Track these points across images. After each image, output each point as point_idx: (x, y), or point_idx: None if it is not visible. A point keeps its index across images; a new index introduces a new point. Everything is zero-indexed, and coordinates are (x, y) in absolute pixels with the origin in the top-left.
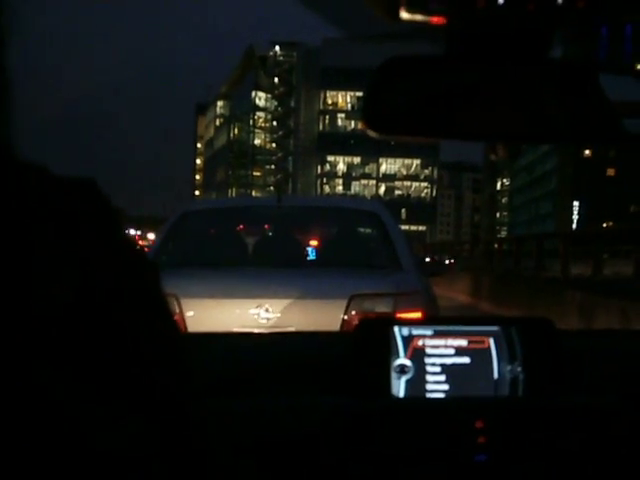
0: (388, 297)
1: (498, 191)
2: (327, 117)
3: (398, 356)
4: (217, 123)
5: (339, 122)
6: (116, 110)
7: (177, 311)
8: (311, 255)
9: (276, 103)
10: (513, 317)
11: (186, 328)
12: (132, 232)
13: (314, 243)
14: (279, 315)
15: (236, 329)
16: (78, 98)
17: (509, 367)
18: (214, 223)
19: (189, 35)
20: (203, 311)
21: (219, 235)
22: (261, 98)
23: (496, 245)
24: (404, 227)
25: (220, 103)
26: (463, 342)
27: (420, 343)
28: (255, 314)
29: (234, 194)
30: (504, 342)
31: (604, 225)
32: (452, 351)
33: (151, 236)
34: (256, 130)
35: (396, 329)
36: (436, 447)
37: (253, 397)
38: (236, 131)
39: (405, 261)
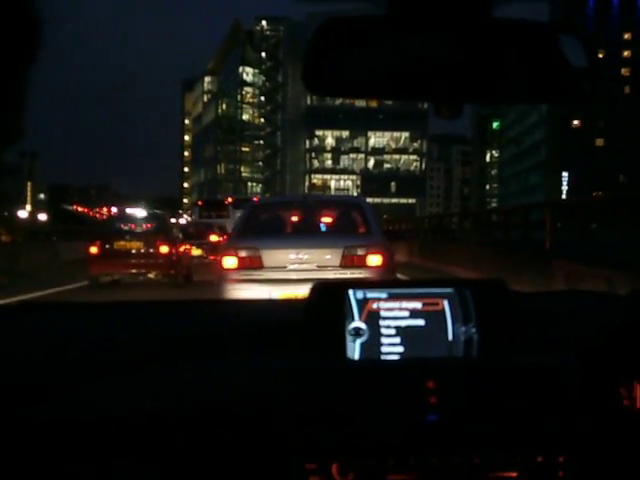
0: (363, 247)
1: (487, 163)
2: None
3: (353, 319)
4: (205, 99)
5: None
6: (102, 88)
7: (258, 256)
8: (323, 228)
9: (264, 78)
10: (467, 279)
11: (262, 264)
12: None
13: (325, 221)
14: (307, 257)
15: (287, 265)
16: (62, 78)
17: (463, 328)
18: (270, 211)
19: (175, 10)
20: (270, 255)
21: (273, 218)
22: (248, 73)
23: (485, 217)
24: (394, 200)
25: (207, 79)
26: (417, 304)
27: (375, 306)
28: (295, 256)
29: (223, 170)
30: (458, 304)
31: (593, 195)
32: (406, 313)
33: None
34: (244, 105)
35: (350, 292)
36: (389, 408)
37: (211, 360)
38: (224, 107)
39: (374, 230)
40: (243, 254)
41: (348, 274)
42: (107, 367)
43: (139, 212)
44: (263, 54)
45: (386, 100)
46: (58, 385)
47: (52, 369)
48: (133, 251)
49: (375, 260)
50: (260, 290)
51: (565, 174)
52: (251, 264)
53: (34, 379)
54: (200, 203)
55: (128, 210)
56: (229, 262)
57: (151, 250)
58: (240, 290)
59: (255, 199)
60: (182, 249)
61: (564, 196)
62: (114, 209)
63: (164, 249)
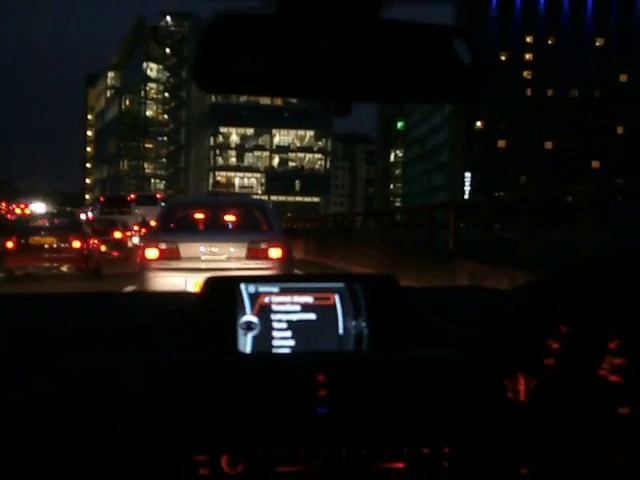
0: (265, 241)
1: (392, 163)
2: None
3: (245, 313)
4: (108, 94)
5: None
6: (3, 82)
7: (176, 248)
8: (229, 225)
9: (168, 74)
10: (358, 274)
11: (180, 255)
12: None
13: (231, 219)
14: (218, 249)
15: (200, 256)
16: None
17: (354, 323)
18: (185, 210)
19: (78, 3)
20: (186, 248)
21: (188, 216)
22: (153, 69)
23: (388, 216)
24: (299, 198)
25: (111, 74)
26: (309, 299)
27: (266, 300)
28: (207, 249)
29: (126, 166)
30: (349, 298)
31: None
32: (298, 307)
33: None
34: (148, 101)
35: (242, 286)
36: (279, 400)
37: (100, 354)
38: (127, 102)
39: (275, 228)
40: (163, 246)
41: (252, 264)
42: (2, 358)
43: (50, 209)
44: (168, 50)
45: (276, 97)
46: None
47: None
48: (46, 246)
49: (275, 253)
50: (177, 277)
51: (468, 175)
52: (170, 255)
53: None
54: (102, 199)
55: (39, 208)
56: (151, 253)
57: (64, 245)
58: (160, 277)
59: (159, 196)
60: (91, 244)
61: (467, 196)
62: (17, 208)
63: (76, 244)
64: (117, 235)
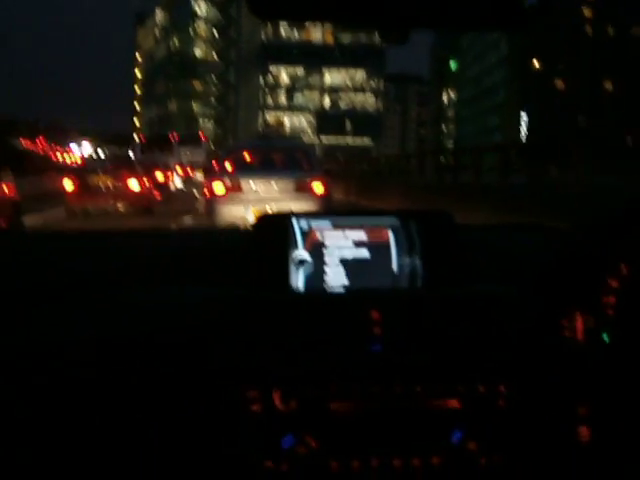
0: (308, 177)
1: (445, 104)
2: (270, 26)
3: (297, 249)
4: (156, 33)
5: (282, 32)
6: (53, 18)
7: (238, 184)
8: (279, 165)
9: (217, 12)
10: (412, 210)
11: (242, 189)
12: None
13: (280, 160)
14: (271, 184)
15: (257, 190)
16: (9, 10)
17: (408, 259)
18: (240, 153)
19: None
20: (246, 183)
21: (243, 158)
22: (201, 7)
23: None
24: (349, 140)
25: (159, 12)
26: (362, 235)
27: (319, 236)
28: (262, 184)
29: (175, 107)
30: (403, 235)
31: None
32: (351, 244)
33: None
34: (197, 40)
35: (294, 221)
36: (332, 337)
37: (157, 288)
38: (176, 42)
39: (316, 167)
40: (228, 182)
41: (298, 196)
42: (55, 294)
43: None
44: None
45: (330, 23)
46: (6, 312)
47: (7, 295)
48: (103, 185)
49: (317, 186)
50: (240, 208)
51: (524, 115)
52: (233, 189)
53: None
54: (142, 139)
55: (85, 148)
56: (218, 188)
57: (119, 184)
58: (226, 207)
59: (203, 136)
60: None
61: (523, 137)
62: (73, 147)
63: (130, 183)
64: (158, 177)
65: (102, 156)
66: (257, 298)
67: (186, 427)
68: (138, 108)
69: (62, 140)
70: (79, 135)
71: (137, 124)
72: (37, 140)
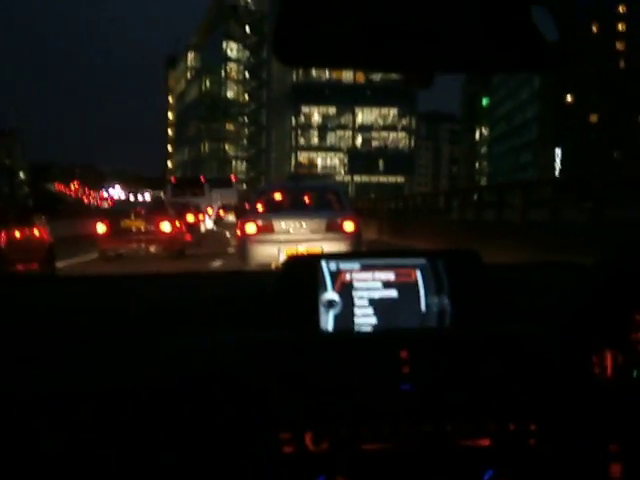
0: (339, 218)
1: (477, 141)
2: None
3: (326, 290)
4: (188, 76)
5: (313, 72)
6: (86, 65)
7: (270, 224)
8: (310, 206)
9: (248, 54)
10: (440, 250)
11: (273, 229)
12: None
13: (310, 200)
14: (303, 224)
15: (289, 230)
16: (45, 56)
17: (436, 299)
18: (273, 194)
19: None
20: (278, 224)
21: (276, 198)
22: (233, 49)
23: (475, 195)
24: (382, 178)
25: (190, 55)
26: (390, 275)
27: (348, 277)
28: (294, 224)
29: (207, 148)
30: (431, 274)
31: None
32: (379, 284)
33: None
34: (228, 82)
35: (324, 264)
36: (363, 378)
37: (185, 334)
38: (207, 83)
39: (346, 207)
40: (260, 223)
41: (330, 236)
42: (86, 339)
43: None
44: (247, 29)
45: (356, 69)
46: (40, 358)
47: (30, 342)
48: (135, 229)
49: (348, 226)
50: (272, 247)
51: (558, 151)
52: (265, 230)
53: (16, 353)
54: (173, 181)
55: (118, 192)
56: (250, 228)
57: (151, 227)
58: (259, 247)
59: (234, 178)
60: (176, 226)
61: (557, 173)
62: (105, 192)
63: (163, 226)
64: (189, 219)
65: (132, 199)
66: (287, 341)
67: (220, 470)
68: (171, 150)
69: (96, 184)
70: (112, 179)
71: (170, 166)
72: (71, 184)
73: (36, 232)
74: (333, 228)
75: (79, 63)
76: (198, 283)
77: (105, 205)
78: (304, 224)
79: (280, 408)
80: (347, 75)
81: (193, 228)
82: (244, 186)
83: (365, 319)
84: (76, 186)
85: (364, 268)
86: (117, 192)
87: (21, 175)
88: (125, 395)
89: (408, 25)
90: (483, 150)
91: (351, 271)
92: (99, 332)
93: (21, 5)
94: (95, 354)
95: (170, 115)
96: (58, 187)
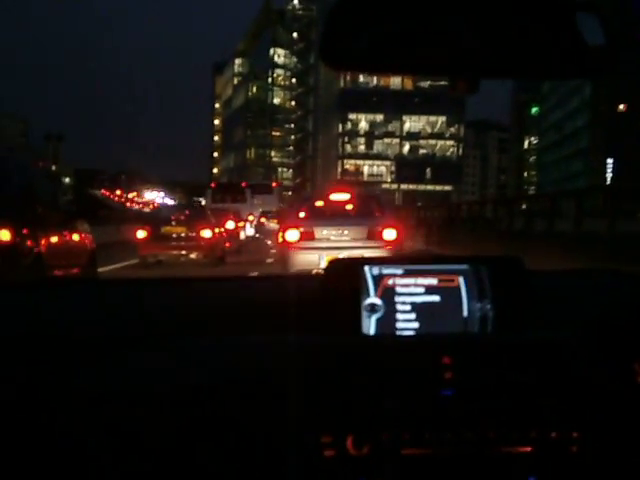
0: (380, 225)
1: (525, 150)
2: (349, 73)
3: (369, 295)
4: (235, 82)
5: (361, 78)
6: (133, 74)
7: (312, 231)
8: (351, 213)
9: (295, 60)
10: (483, 256)
11: (315, 237)
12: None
13: (352, 208)
14: (345, 232)
15: (330, 237)
16: (94, 64)
17: (478, 305)
18: (314, 202)
19: None
20: (319, 231)
21: (318, 206)
22: (280, 55)
23: (524, 205)
24: (429, 187)
25: (238, 61)
26: (433, 281)
27: (390, 282)
28: (335, 232)
29: (252, 155)
30: (474, 280)
31: None
32: (422, 290)
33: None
34: (275, 88)
35: (366, 269)
36: (404, 383)
37: (228, 336)
38: (254, 89)
39: (387, 214)
40: (302, 230)
41: (371, 244)
42: (126, 342)
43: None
44: (295, 35)
45: (402, 75)
46: (87, 359)
47: (81, 343)
48: (175, 235)
49: (390, 234)
50: (313, 255)
51: (610, 160)
52: (307, 237)
53: (64, 354)
54: (213, 186)
55: (158, 197)
56: (293, 235)
57: (191, 234)
58: (300, 254)
59: (274, 184)
60: (216, 233)
61: (609, 183)
62: (148, 195)
63: (203, 233)
64: (229, 226)
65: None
66: (329, 344)
67: (261, 473)
68: (217, 157)
69: (141, 190)
70: (158, 185)
71: (215, 173)
72: (116, 190)
73: (77, 237)
74: (374, 236)
75: (128, 69)
76: (240, 287)
77: (147, 210)
78: (346, 232)
79: (321, 411)
80: (395, 82)
81: (232, 235)
82: (289, 193)
83: (407, 324)
84: (120, 192)
85: (407, 273)
86: (161, 198)
87: (67, 180)
88: (166, 396)
89: (454, 30)
90: (532, 159)
91: (394, 276)
92: (138, 334)
93: (80, 14)
94: (136, 356)
95: (217, 121)
96: (103, 193)
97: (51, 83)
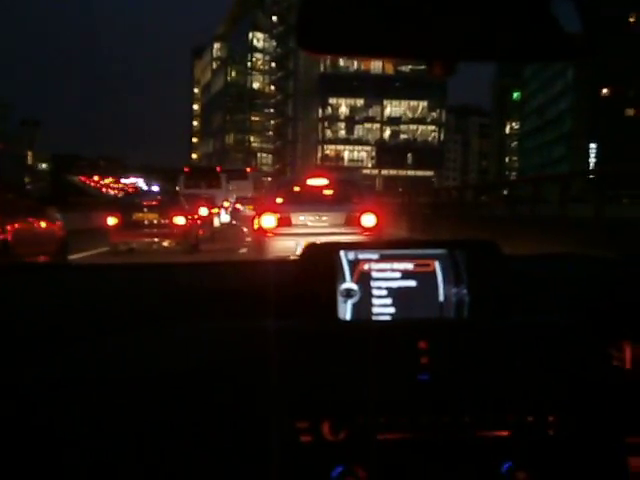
0: (358, 211)
1: (507, 135)
2: (328, 57)
3: (344, 280)
4: (214, 66)
5: (341, 62)
6: (112, 55)
7: (289, 217)
8: (329, 198)
9: (275, 44)
10: (459, 240)
11: (292, 223)
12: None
13: (330, 193)
14: (322, 218)
15: (307, 223)
16: (70, 47)
17: (455, 290)
18: (292, 186)
19: None
20: (296, 217)
21: (292, 191)
22: (259, 39)
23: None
24: (410, 172)
25: (216, 45)
26: (409, 265)
27: (366, 267)
28: (313, 218)
29: (232, 140)
30: (450, 265)
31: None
32: (398, 274)
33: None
34: (254, 73)
35: (342, 253)
36: (380, 368)
37: (202, 322)
38: (233, 74)
39: (366, 199)
40: (278, 216)
41: (349, 230)
42: (102, 328)
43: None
44: (274, 18)
45: (379, 57)
46: (57, 345)
47: (51, 329)
48: (148, 222)
49: (368, 220)
50: (290, 241)
51: (593, 145)
52: (284, 223)
53: (33, 340)
54: (186, 171)
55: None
56: (269, 222)
57: (164, 221)
58: (277, 241)
59: (249, 169)
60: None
61: (592, 168)
62: (124, 180)
63: (176, 220)
64: (201, 212)
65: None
66: (305, 329)
67: (236, 458)
68: (196, 142)
69: (118, 176)
70: (136, 171)
71: (194, 158)
72: (94, 176)
73: (46, 225)
74: (352, 222)
75: (106, 54)
76: (215, 272)
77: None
78: (323, 217)
79: (297, 397)
80: (375, 66)
81: (205, 222)
82: (269, 179)
83: (383, 309)
84: (99, 178)
85: (383, 258)
86: (138, 184)
87: (43, 166)
88: (140, 383)
89: (431, 12)
90: (514, 144)
91: (370, 261)
92: (111, 320)
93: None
94: (108, 342)
95: (196, 106)
96: (81, 179)
97: (32, 67)
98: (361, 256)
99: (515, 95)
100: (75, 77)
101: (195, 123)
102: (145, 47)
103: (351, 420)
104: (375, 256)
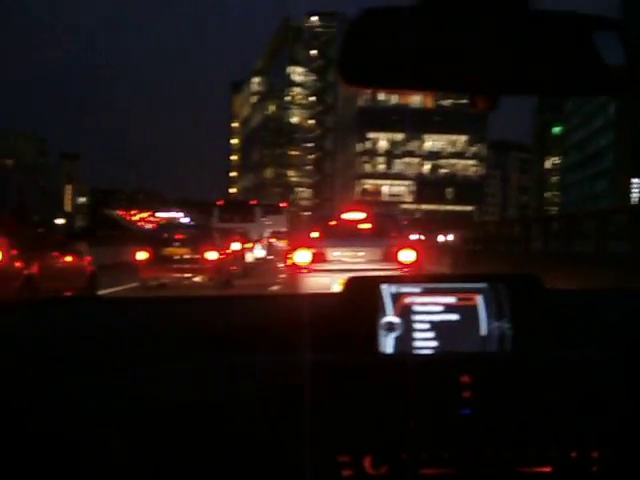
0: (397, 245)
1: (547, 170)
2: (368, 91)
3: (386, 314)
4: (253, 100)
5: (381, 96)
6: (152, 92)
7: (324, 253)
8: (366, 233)
9: (314, 78)
10: (501, 274)
11: (327, 259)
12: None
13: (368, 227)
14: (359, 253)
15: (343, 259)
16: (112, 83)
17: (497, 323)
18: (328, 222)
19: (221, 8)
20: (332, 253)
21: (331, 226)
22: (298, 73)
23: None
24: (450, 207)
25: (255, 79)
26: (451, 299)
27: (408, 300)
28: (349, 253)
29: (270, 174)
30: (492, 299)
31: None
32: (440, 308)
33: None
34: (293, 107)
35: (384, 287)
36: (422, 402)
37: (248, 353)
38: (272, 108)
39: (404, 234)
40: (313, 251)
41: (387, 266)
42: (139, 359)
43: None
44: (313, 52)
45: (420, 91)
46: (89, 376)
47: (80, 362)
48: (179, 257)
49: (407, 255)
50: (325, 278)
51: (635, 180)
52: (319, 259)
53: (63, 372)
54: (220, 204)
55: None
56: (303, 258)
57: (196, 256)
58: (311, 277)
59: (283, 204)
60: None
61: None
62: (159, 214)
63: (208, 255)
64: (234, 247)
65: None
66: (346, 363)
67: None
68: (236, 176)
69: (156, 209)
70: (175, 205)
71: (234, 192)
72: (132, 210)
73: (74, 259)
74: (391, 257)
75: (147, 89)
76: (257, 304)
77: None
78: (360, 253)
79: (339, 431)
80: (415, 100)
81: (237, 257)
82: (308, 213)
83: (425, 343)
84: (136, 212)
85: (425, 292)
86: (176, 217)
87: (83, 200)
88: (182, 412)
89: (472, 47)
90: (554, 179)
91: (412, 294)
92: (154, 351)
93: (99, 32)
94: (152, 372)
95: (235, 140)
96: (119, 212)
97: (71, 103)
98: (403, 290)
99: (556, 129)
100: (117, 111)
101: (234, 157)
102: (184, 82)
103: (393, 455)
104: (417, 290)
